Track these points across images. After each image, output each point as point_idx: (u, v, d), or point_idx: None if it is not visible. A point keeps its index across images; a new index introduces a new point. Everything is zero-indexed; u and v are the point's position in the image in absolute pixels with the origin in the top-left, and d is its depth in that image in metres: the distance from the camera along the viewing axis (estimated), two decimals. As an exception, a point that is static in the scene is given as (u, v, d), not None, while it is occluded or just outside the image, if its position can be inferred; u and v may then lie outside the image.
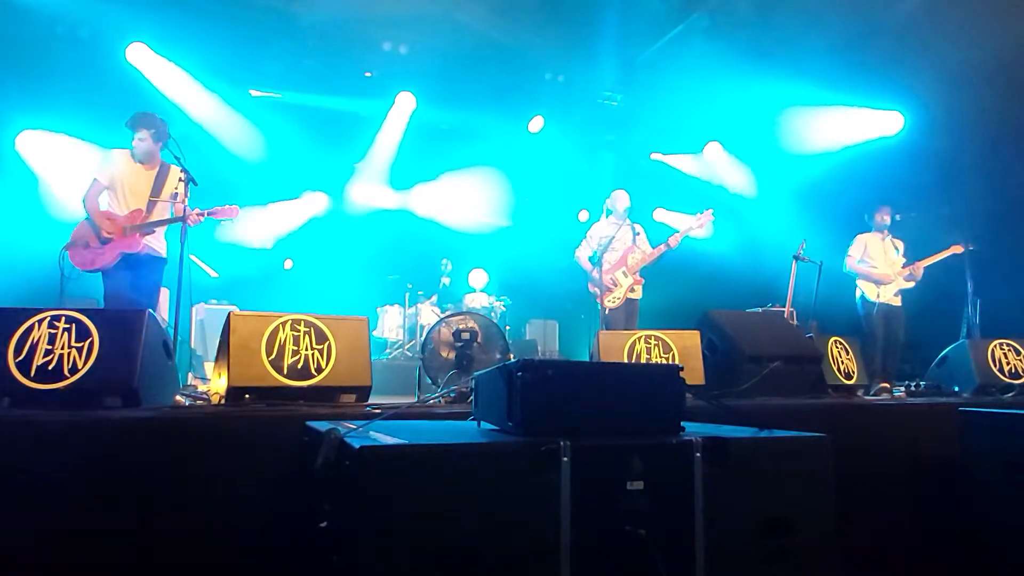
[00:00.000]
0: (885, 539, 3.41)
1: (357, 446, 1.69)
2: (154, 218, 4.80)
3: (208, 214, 4.75)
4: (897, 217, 6.60)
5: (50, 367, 2.82)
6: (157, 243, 4.90)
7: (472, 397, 2.44)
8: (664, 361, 4.19)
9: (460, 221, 10.46)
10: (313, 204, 9.76)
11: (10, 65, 7.19)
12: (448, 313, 5.27)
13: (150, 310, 3.12)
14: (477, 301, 8.39)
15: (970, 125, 6.87)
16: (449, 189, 10.34)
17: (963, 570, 3.25)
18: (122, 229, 4.69)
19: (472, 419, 2.45)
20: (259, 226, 9.05)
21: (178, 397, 3.49)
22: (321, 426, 2.17)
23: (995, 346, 4.82)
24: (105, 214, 4.74)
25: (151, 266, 4.84)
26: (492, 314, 8.03)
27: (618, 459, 1.89)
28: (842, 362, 4.76)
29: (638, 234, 6.42)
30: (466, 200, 10.43)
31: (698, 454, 1.96)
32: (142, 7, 7.43)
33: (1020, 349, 4.85)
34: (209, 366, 5.81)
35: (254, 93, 8.66)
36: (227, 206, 4.85)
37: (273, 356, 3.16)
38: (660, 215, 9.96)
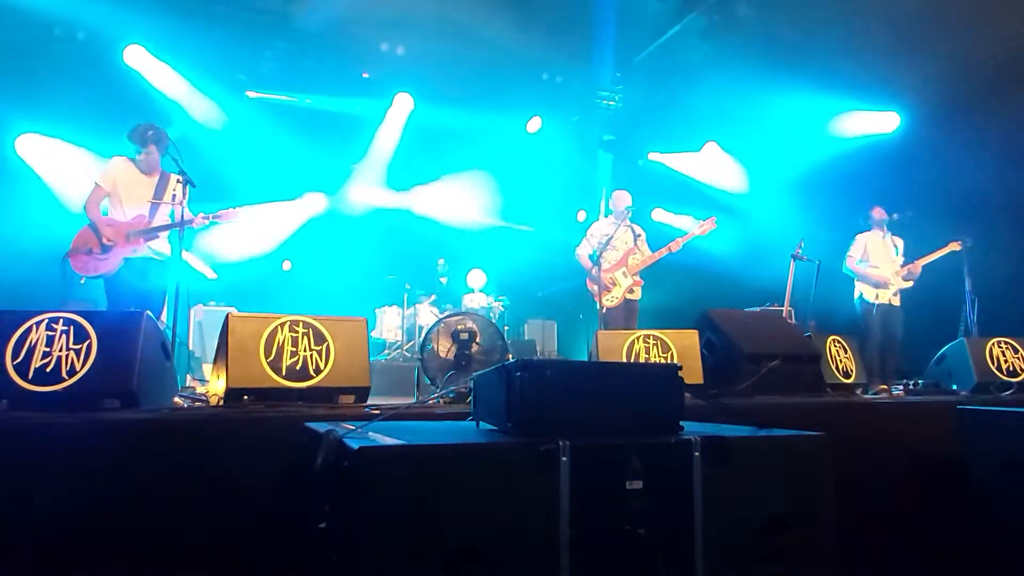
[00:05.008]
0: (884, 538, 3.41)
1: (356, 447, 1.69)
2: (157, 222, 4.80)
3: (213, 218, 4.79)
4: (895, 216, 6.61)
5: (48, 369, 2.82)
6: (161, 247, 4.90)
7: (471, 397, 2.44)
8: (663, 360, 4.19)
9: (458, 220, 10.45)
10: (311, 206, 9.75)
11: (9, 68, 7.18)
12: (447, 313, 5.27)
13: (148, 312, 3.12)
14: (475, 301, 8.39)
15: (967, 123, 6.88)
16: (447, 189, 10.34)
17: (962, 568, 3.26)
18: (125, 235, 4.69)
19: (471, 419, 2.45)
20: (258, 232, 8.99)
21: (176, 399, 3.48)
22: (320, 427, 2.17)
23: (993, 344, 4.83)
24: (107, 220, 4.73)
25: (155, 270, 4.83)
26: (491, 314, 8.03)
27: (617, 459, 1.89)
28: (840, 361, 4.77)
29: (639, 235, 6.42)
30: (464, 200, 10.42)
31: (697, 453, 1.96)
32: (139, 10, 7.42)
33: (1018, 347, 4.85)
34: (207, 368, 5.80)
35: (251, 94, 8.65)
36: (230, 209, 4.90)
37: (272, 357, 3.16)
38: (658, 215, 9.97)
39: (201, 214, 4.73)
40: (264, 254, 9.15)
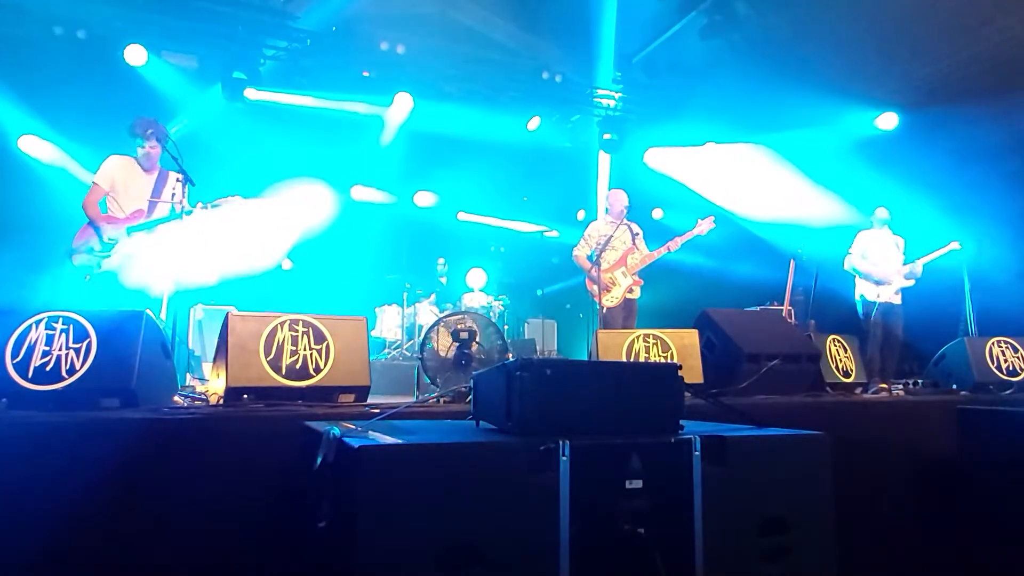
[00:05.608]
0: (884, 537, 3.41)
1: (356, 446, 1.69)
2: (155, 217, 4.78)
3: (211, 207, 4.74)
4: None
5: (48, 368, 2.82)
6: (162, 244, 4.87)
7: (471, 397, 2.44)
8: (663, 360, 4.19)
9: (457, 219, 10.45)
10: (313, 210, 9.69)
11: (10, 67, 7.18)
12: (446, 313, 5.27)
13: (148, 310, 3.12)
14: (475, 300, 8.38)
15: (965, 122, 6.88)
16: (447, 188, 10.34)
17: (962, 567, 3.26)
18: (126, 231, 4.70)
19: (471, 418, 2.45)
20: (260, 244, 8.88)
21: (176, 398, 3.48)
22: (320, 426, 2.17)
23: (993, 344, 4.83)
24: (107, 218, 4.72)
25: (155, 268, 4.81)
26: (490, 313, 8.03)
27: (617, 458, 1.89)
28: (840, 360, 4.76)
29: (636, 235, 6.40)
30: (465, 199, 10.42)
31: (697, 452, 1.96)
32: (139, 8, 7.42)
33: (1018, 347, 4.86)
34: (207, 367, 5.80)
35: (250, 94, 8.63)
36: (229, 197, 4.84)
37: (271, 356, 3.15)
38: (657, 214, 9.96)
39: (200, 204, 4.67)
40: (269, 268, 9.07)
